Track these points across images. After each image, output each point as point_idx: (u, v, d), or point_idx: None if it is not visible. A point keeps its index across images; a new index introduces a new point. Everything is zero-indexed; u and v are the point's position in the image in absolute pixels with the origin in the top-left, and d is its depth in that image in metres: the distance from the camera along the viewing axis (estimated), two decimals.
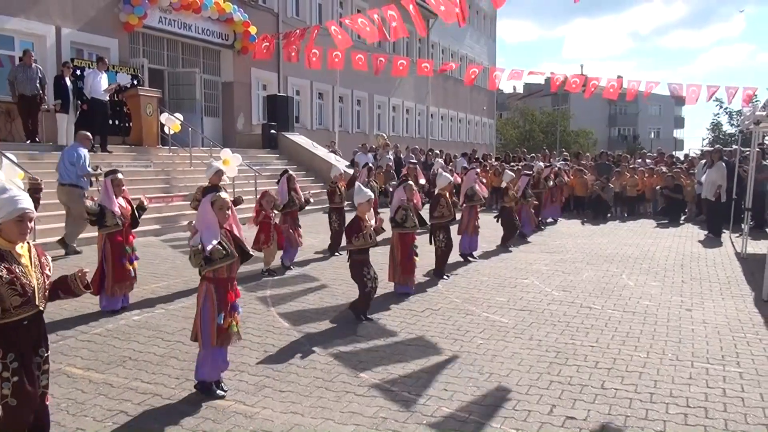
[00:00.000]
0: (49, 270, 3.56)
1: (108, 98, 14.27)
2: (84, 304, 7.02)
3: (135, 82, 16.24)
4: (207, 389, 4.66)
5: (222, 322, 4.56)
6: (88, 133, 10.93)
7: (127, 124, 16.08)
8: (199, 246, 4.40)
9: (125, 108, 15.96)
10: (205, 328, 4.56)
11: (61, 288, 3.69)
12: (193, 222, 4.64)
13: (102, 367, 5.25)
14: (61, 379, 4.93)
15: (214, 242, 4.44)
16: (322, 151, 20.55)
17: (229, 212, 4.65)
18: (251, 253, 4.82)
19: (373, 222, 6.84)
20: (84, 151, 10.34)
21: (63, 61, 14.41)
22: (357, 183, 7.89)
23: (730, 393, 4.82)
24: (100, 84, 13.88)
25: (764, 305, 7.57)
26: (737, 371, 5.30)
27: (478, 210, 10.56)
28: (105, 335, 6.10)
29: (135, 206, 7.11)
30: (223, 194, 4.61)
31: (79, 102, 13.99)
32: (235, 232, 4.71)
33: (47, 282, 3.52)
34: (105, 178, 6.94)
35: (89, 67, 14.62)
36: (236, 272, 4.78)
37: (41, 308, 3.46)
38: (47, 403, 3.72)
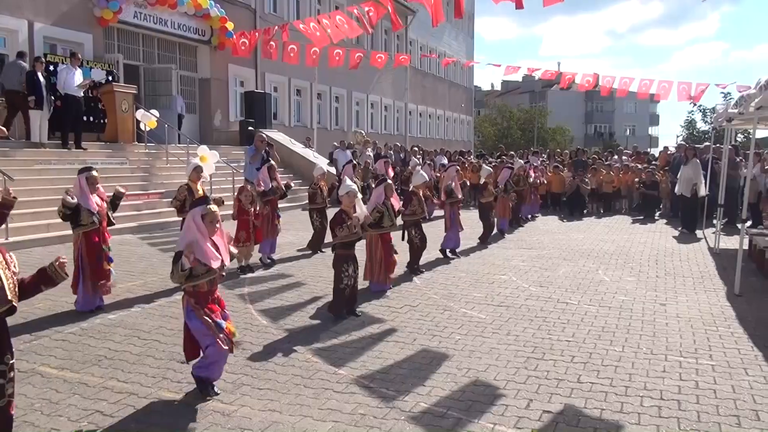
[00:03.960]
0: (15, 267, 3.47)
1: (82, 94, 14.06)
2: (58, 303, 6.93)
3: (110, 78, 16.00)
4: (207, 386, 4.62)
5: (224, 324, 4.52)
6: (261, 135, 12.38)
7: (101, 121, 15.84)
8: (187, 269, 4.34)
9: (100, 104, 15.73)
10: (206, 337, 4.48)
11: (42, 281, 3.62)
12: (186, 245, 4.45)
13: (77, 366, 5.19)
14: (35, 379, 4.86)
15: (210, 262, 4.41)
16: (299, 148, 20.48)
17: (218, 225, 4.60)
18: (223, 274, 4.71)
19: (359, 211, 6.78)
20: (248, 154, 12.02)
21: (36, 56, 14.15)
22: (343, 176, 7.87)
23: (702, 385, 4.90)
24: (74, 79, 13.67)
25: (736, 299, 7.71)
26: (710, 364, 5.39)
27: (460, 206, 10.61)
28: (80, 334, 6.02)
29: (111, 196, 7.00)
30: (213, 207, 4.55)
31: (53, 98, 13.76)
32: (219, 245, 4.61)
33: (14, 278, 3.44)
34: (79, 176, 6.80)
35: (63, 63, 14.39)
36: (217, 285, 4.72)
37: (14, 304, 3.37)
38: (12, 413, 3.62)
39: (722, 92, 15.99)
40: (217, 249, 4.57)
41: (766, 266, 8.99)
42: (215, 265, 4.46)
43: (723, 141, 13.52)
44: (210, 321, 4.47)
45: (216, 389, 4.69)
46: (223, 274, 4.70)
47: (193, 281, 4.44)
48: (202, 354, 4.61)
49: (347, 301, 6.78)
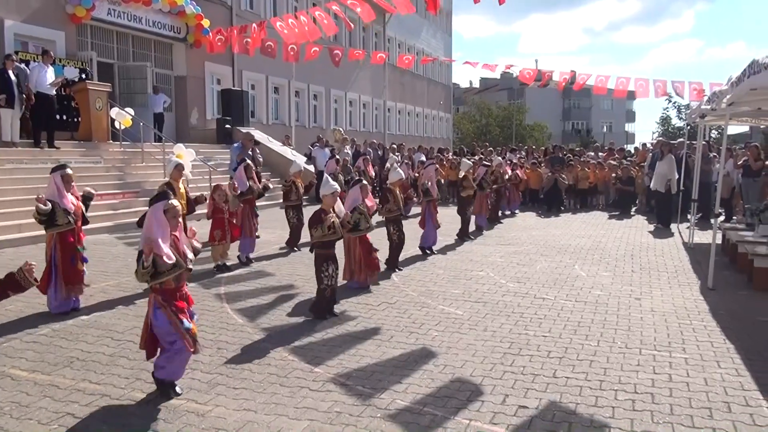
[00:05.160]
0: None
1: (54, 92, 13.85)
2: (30, 304, 6.82)
3: (83, 76, 15.76)
4: (168, 387, 4.55)
5: (190, 326, 4.46)
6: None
7: (75, 119, 15.61)
8: (149, 266, 4.25)
9: (73, 102, 15.49)
10: (170, 335, 4.43)
11: (10, 286, 3.53)
12: (146, 242, 4.36)
13: (48, 368, 5.10)
14: (4, 382, 4.77)
15: (168, 260, 4.33)
16: (277, 146, 20.36)
17: (180, 220, 4.56)
18: (190, 267, 4.64)
19: (340, 211, 6.75)
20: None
21: (6, 53, 13.89)
22: (325, 174, 7.79)
23: (675, 378, 4.96)
24: (46, 77, 13.46)
25: (710, 293, 7.81)
26: (683, 357, 5.45)
27: (436, 204, 10.61)
28: (51, 336, 5.92)
29: (81, 197, 6.87)
30: (174, 202, 4.50)
31: (25, 96, 13.51)
32: (180, 242, 4.55)
33: None
34: (53, 174, 6.67)
35: (34, 61, 14.14)
36: (185, 281, 4.65)
37: None
38: None
39: (695, 89, 16.11)
40: (179, 245, 4.52)
41: (739, 260, 9.12)
42: (170, 262, 4.36)
43: (697, 137, 13.69)
44: (176, 320, 4.41)
45: (178, 389, 4.62)
46: (190, 268, 4.63)
47: (158, 279, 4.37)
48: (159, 352, 4.56)
49: (328, 301, 6.73)
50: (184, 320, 4.45)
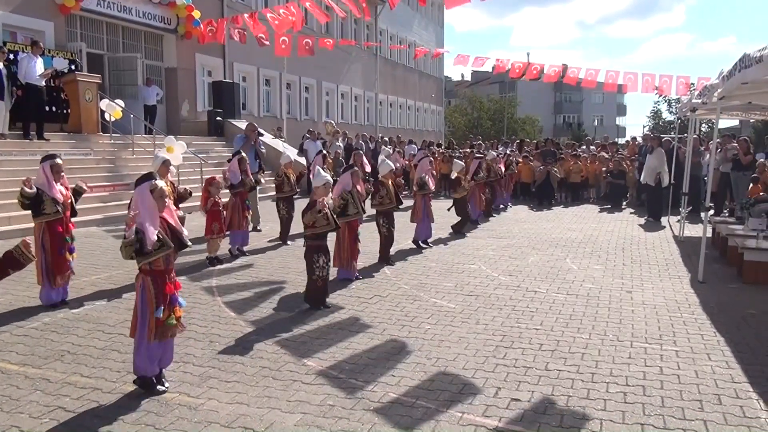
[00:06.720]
0: None
1: (44, 83, 13.73)
2: (20, 297, 6.78)
3: (72, 67, 15.63)
4: (147, 384, 4.50)
5: (161, 315, 4.43)
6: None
7: (65, 111, 15.49)
8: (133, 237, 4.23)
9: (63, 94, 15.37)
10: (143, 323, 4.42)
11: (9, 264, 3.52)
12: (131, 214, 4.42)
13: (39, 362, 5.07)
14: None
15: (153, 236, 4.31)
16: (268, 138, 20.27)
17: (167, 201, 4.53)
18: (188, 243, 4.64)
19: (330, 202, 6.75)
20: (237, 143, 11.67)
21: None
22: (317, 167, 7.74)
23: (666, 371, 4.98)
24: (35, 68, 13.34)
25: (700, 286, 7.86)
26: (674, 350, 5.48)
27: (430, 198, 10.60)
28: (42, 329, 5.88)
29: (72, 189, 6.81)
30: (160, 182, 4.48)
31: (14, 88, 13.39)
32: (170, 221, 4.55)
33: None
34: (42, 163, 6.61)
35: (23, 51, 14.01)
36: (174, 263, 4.65)
37: None
38: None
39: (682, 83, 16.18)
40: (168, 225, 4.49)
41: (729, 254, 9.17)
42: (153, 238, 4.33)
43: (687, 131, 13.74)
44: (152, 311, 4.39)
45: (164, 381, 4.59)
46: (189, 244, 4.59)
47: (147, 258, 4.34)
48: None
49: (321, 291, 6.72)
50: (161, 308, 4.43)
